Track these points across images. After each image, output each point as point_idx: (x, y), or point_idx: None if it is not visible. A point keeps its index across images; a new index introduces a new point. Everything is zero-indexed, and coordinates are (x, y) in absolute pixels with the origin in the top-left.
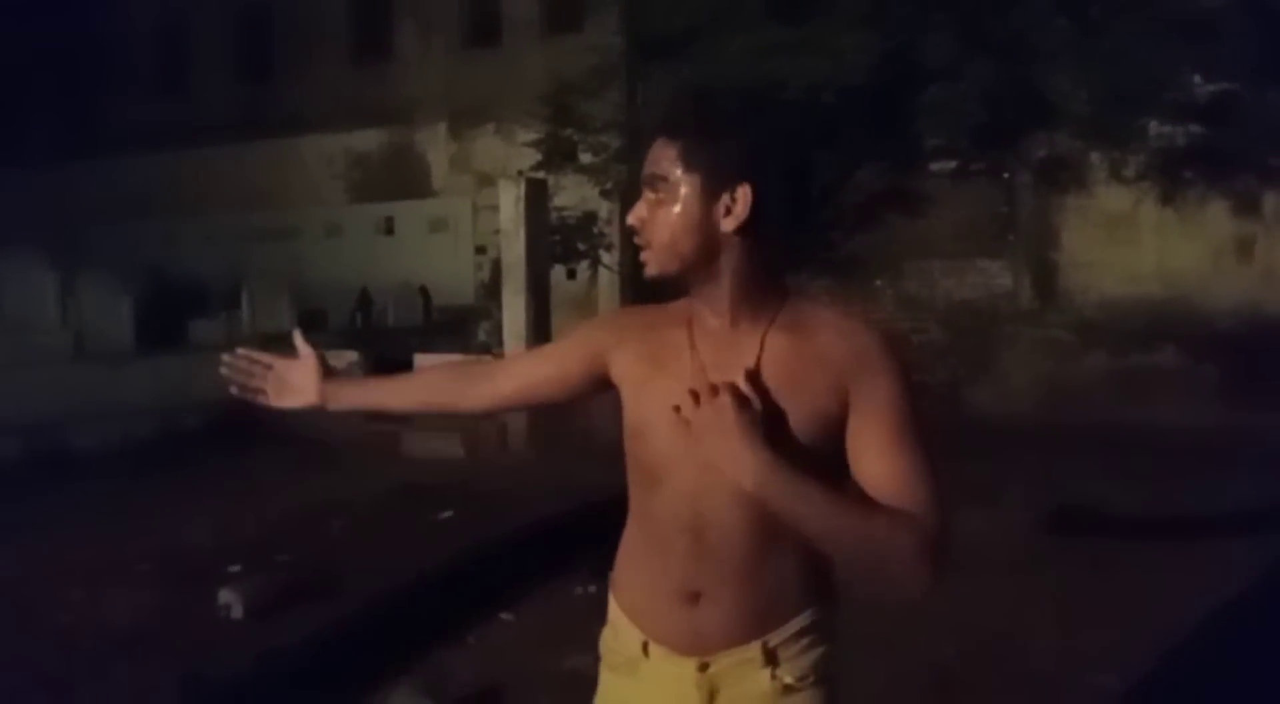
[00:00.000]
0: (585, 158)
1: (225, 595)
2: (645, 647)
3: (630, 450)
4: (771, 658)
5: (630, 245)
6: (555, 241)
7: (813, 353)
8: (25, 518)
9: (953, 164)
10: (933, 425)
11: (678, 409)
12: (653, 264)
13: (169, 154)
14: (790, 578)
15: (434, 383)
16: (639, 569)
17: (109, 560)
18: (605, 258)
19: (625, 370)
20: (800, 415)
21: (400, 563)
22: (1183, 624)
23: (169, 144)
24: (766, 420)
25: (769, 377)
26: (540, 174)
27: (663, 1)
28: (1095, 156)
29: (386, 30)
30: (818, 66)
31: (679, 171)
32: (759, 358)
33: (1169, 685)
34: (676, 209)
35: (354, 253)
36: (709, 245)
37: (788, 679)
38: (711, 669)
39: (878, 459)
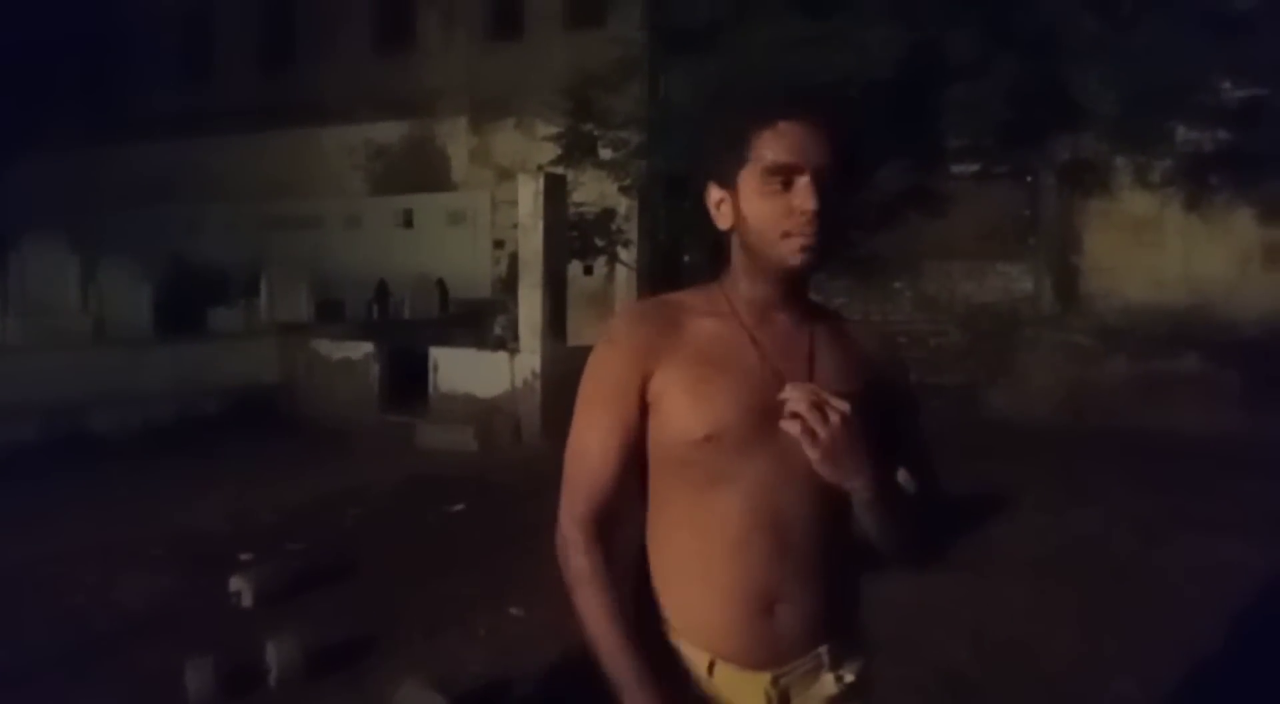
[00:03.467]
0: (605, 153)
1: (236, 583)
2: (711, 666)
3: (687, 456)
4: (837, 660)
5: (648, 242)
6: (573, 237)
7: (852, 349)
8: (43, 499)
9: (976, 165)
10: (950, 427)
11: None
12: (815, 256)
13: (192, 141)
14: (854, 576)
15: (608, 577)
16: (698, 583)
17: (124, 544)
18: (623, 254)
19: (674, 376)
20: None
21: (412, 554)
22: (1204, 631)
23: (192, 131)
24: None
25: (825, 371)
26: (560, 169)
27: None
28: (1120, 160)
29: (409, 21)
30: (843, 61)
31: (838, 162)
32: (813, 353)
33: (1190, 694)
34: (836, 200)
35: (373, 244)
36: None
37: (849, 678)
38: (784, 680)
39: (913, 449)
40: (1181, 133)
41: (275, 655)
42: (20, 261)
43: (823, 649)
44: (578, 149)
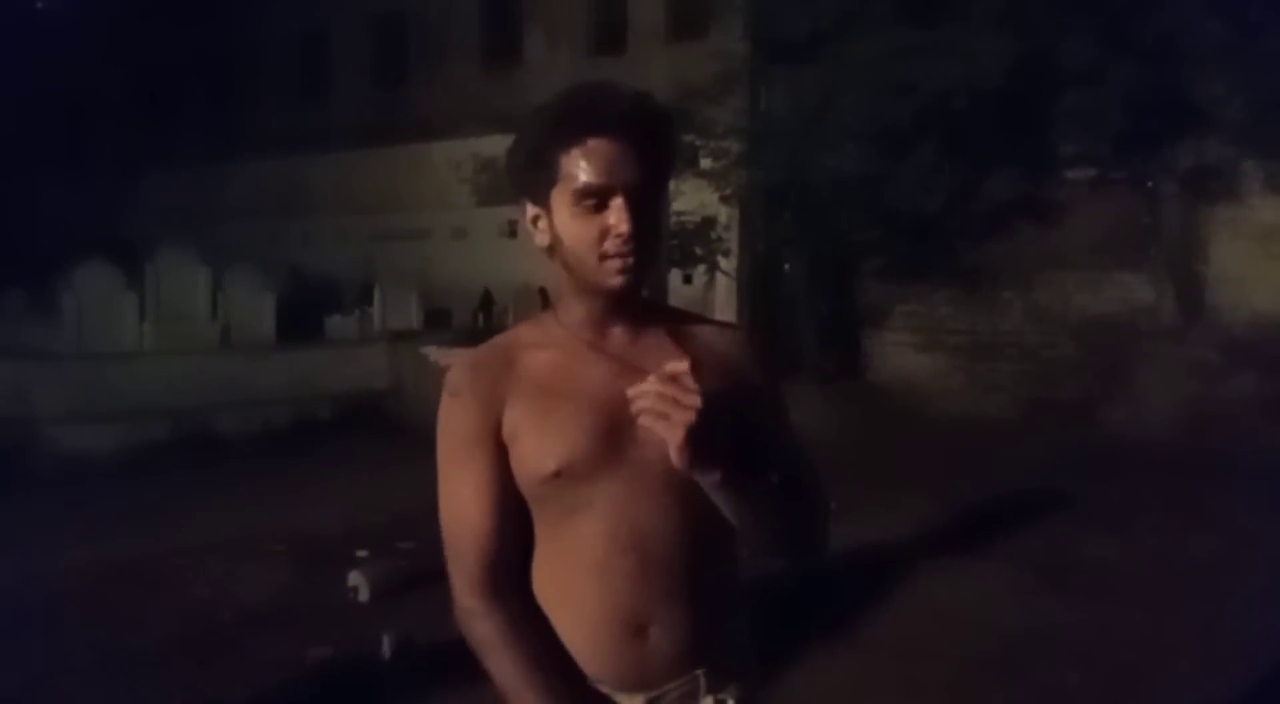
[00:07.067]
0: (706, 163)
1: (354, 578)
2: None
3: (547, 493)
4: (716, 683)
5: (747, 251)
6: (673, 246)
7: (701, 348)
8: (171, 496)
9: (1091, 172)
10: (1062, 444)
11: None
12: (635, 276)
13: (309, 157)
14: (732, 597)
15: (520, 634)
16: (567, 608)
17: (246, 539)
18: (723, 263)
19: (522, 413)
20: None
21: None
22: None
23: (308, 147)
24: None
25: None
26: None
27: (789, 5)
28: (1249, 166)
29: (516, 38)
30: (950, 70)
31: (651, 176)
32: (660, 359)
33: None
34: (655, 216)
35: (478, 254)
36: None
37: (730, 703)
38: (659, 703)
39: (781, 439)
40: None
41: (391, 648)
42: (155, 271)
43: (699, 672)
44: (679, 159)
